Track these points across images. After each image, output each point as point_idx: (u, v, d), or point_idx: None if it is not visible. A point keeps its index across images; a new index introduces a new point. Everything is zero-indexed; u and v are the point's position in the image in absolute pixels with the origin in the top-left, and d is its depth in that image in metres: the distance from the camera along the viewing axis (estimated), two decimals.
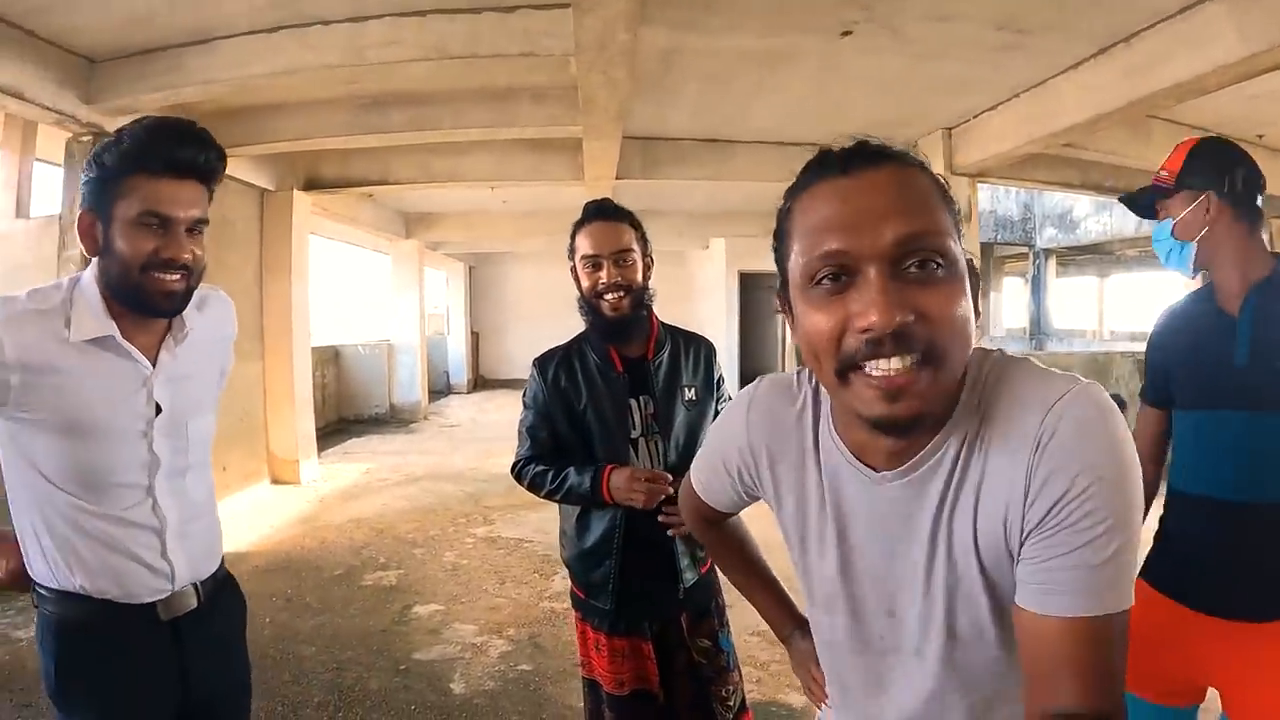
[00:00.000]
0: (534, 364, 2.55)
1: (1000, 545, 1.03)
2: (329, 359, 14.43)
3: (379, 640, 4.81)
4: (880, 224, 0.95)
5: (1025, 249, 20.09)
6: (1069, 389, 0.98)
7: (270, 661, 4.47)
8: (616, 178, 8.65)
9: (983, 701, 1.12)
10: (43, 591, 1.75)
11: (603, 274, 2.37)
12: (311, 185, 9.46)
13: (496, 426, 14.13)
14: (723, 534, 1.66)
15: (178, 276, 1.70)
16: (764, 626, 1.94)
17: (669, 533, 2.32)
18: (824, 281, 0.98)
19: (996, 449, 1.02)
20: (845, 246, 0.96)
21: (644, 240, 2.49)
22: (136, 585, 1.76)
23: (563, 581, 5.75)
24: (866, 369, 0.95)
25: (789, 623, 1.60)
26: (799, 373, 1.25)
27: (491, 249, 19.85)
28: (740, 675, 2.56)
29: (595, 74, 5.19)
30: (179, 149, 1.66)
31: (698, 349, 2.60)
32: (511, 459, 2.57)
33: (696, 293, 19.51)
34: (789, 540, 1.26)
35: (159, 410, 1.78)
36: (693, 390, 2.50)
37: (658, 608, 2.44)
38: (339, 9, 5.09)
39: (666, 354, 2.50)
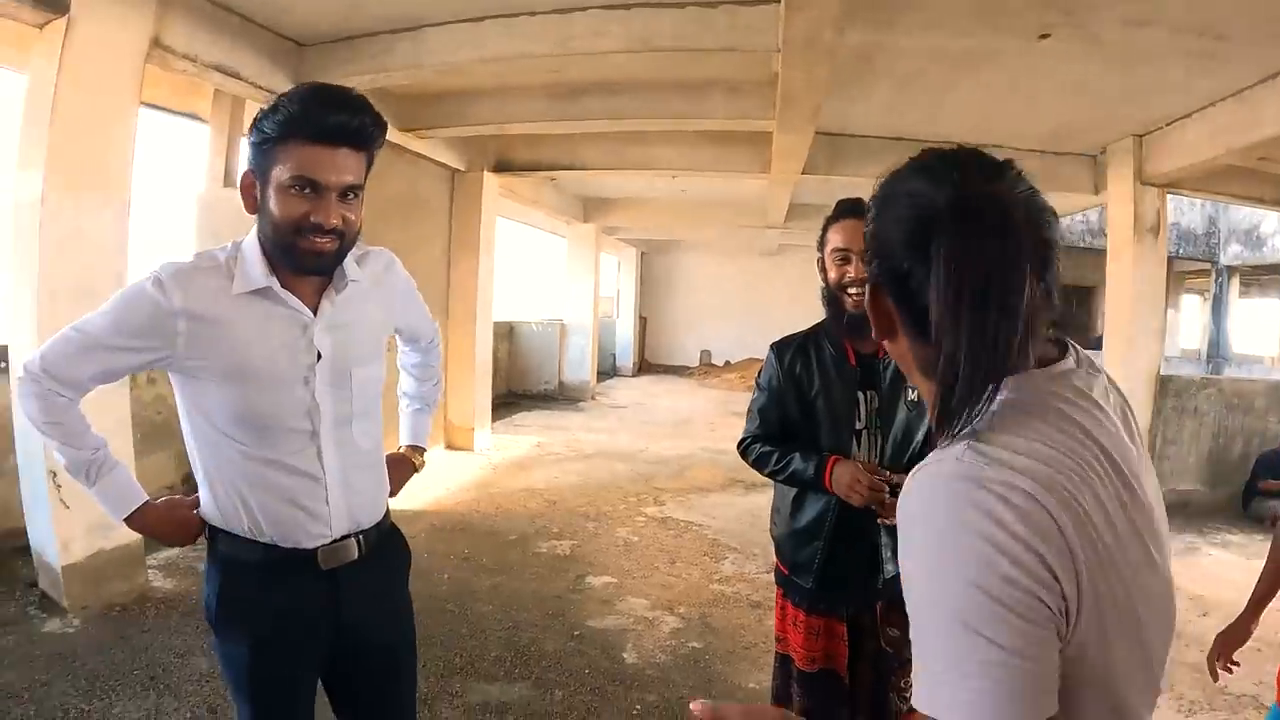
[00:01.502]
0: (771, 348, 2.66)
1: None
2: (503, 334, 14.86)
3: (554, 605, 5.00)
4: None
5: (1207, 265, 18.77)
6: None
7: (449, 615, 4.74)
8: (802, 173, 8.66)
9: None
10: (214, 530, 1.89)
11: (850, 269, 2.41)
12: (502, 167, 9.81)
13: (663, 411, 14.38)
14: None
15: (328, 240, 1.75)
16: None
17: (880, 521, 2.36)
18: None
19: None
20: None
21: None
22: (297, 531, 1.85)
23: (732, 566, 5.86)
24: None
25: None
26: None
27: (665, 236, 19.96)
28: None
29: (798, 70, 5.22)
30: (332, 115, 1.69)
31: None
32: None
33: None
34: None
35: (320, 357, 1.84)
36: (915, 392, 2.45)
37: (856, 594, 2.48)
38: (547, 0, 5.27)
39: None
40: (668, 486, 8.45)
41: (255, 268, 1.78)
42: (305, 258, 1.76)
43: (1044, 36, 5.27)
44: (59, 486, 4.31)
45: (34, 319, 4.25)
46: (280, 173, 1.70)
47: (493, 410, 10.86)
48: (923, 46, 5.66)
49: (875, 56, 5.88)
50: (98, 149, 4.49)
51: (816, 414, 2.52)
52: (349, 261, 1.88)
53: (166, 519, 1.95)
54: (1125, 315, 8.04)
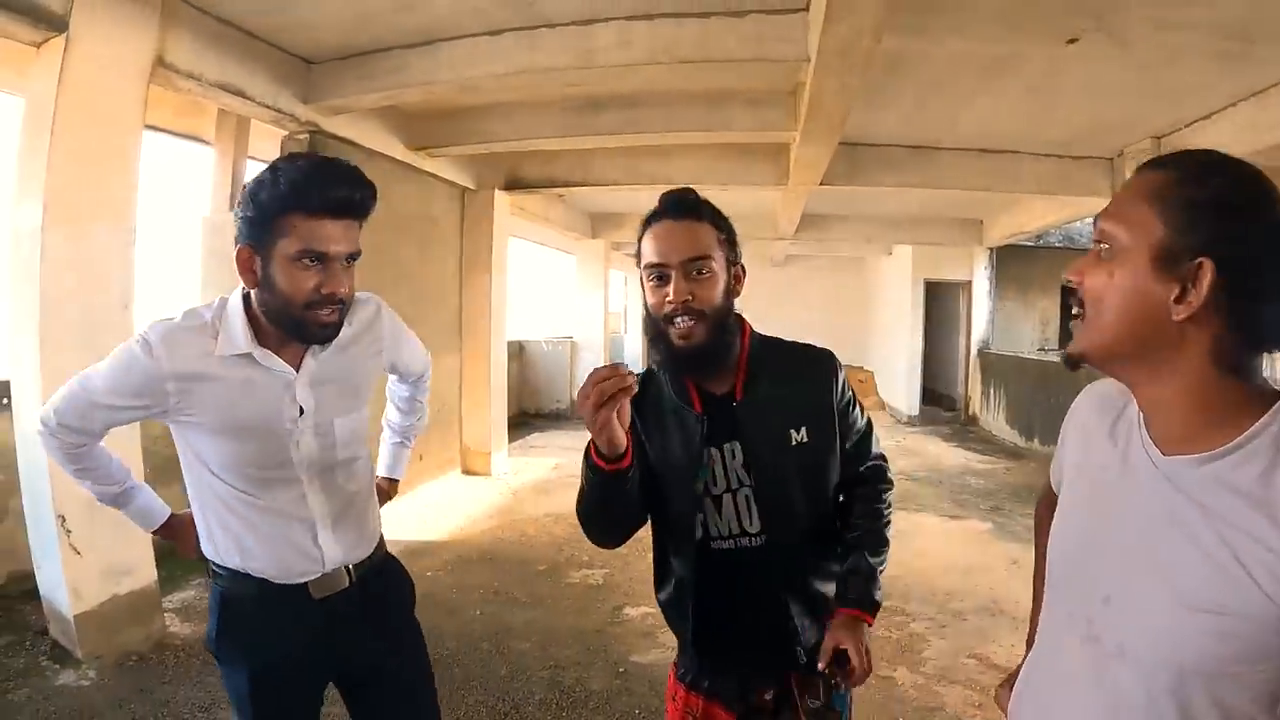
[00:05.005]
0: None
1: None
2: (514, 354, 14.72)
3: (594, 640, 4.81)
4: None
5: None
6: None
7: (485, 654, 4.55)
8: (821, 183, 8.49)
9: None
10: (212, 565, 2.03)
11: (669, 290, 1.80)
12: (513, 185, 9.66)
13: None
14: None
15: (332, 311, 1.85)
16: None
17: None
18: None
19: None
20: None
21: (731, 244, 1.91)
22: (289, 568, 1.97)
23: None
24: None
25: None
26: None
27: None
28: None
29: (831, 80, 5.05)
30: (335, 189, 1.77)
31: (810, 369, 1.99)
32: None
33: (876, 301, 19.05)
34: None
35: (302, 412, 1.95)
36: (803, 430, 1.90)
37: (761, 672, 1.97)
38: (567, 11, 5.13)
39: (763, 387, 1.91)
40: None
41: (238, 332, 1.87)
42: (314, 330, 1.86)
43: (1072, 41, 5.20)
44: (69, 532, 4.13)
45: (36, 354, 4.06)
46: (286, 246, 1.77)
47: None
48: (950, 53, 5.55)
49: (900, 64, 5.76)
50: (101, 175, 4.31)
51: (658, 477, 1.91)
52: None
53: (190, 528, 2.11)
54: None
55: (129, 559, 4.42)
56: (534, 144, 7.77)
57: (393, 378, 2.51)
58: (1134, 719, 1.10)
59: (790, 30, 4.86)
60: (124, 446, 4.21)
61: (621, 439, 1.65)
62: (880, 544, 1.96)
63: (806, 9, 4.76)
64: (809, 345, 2.05)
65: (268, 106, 5.75)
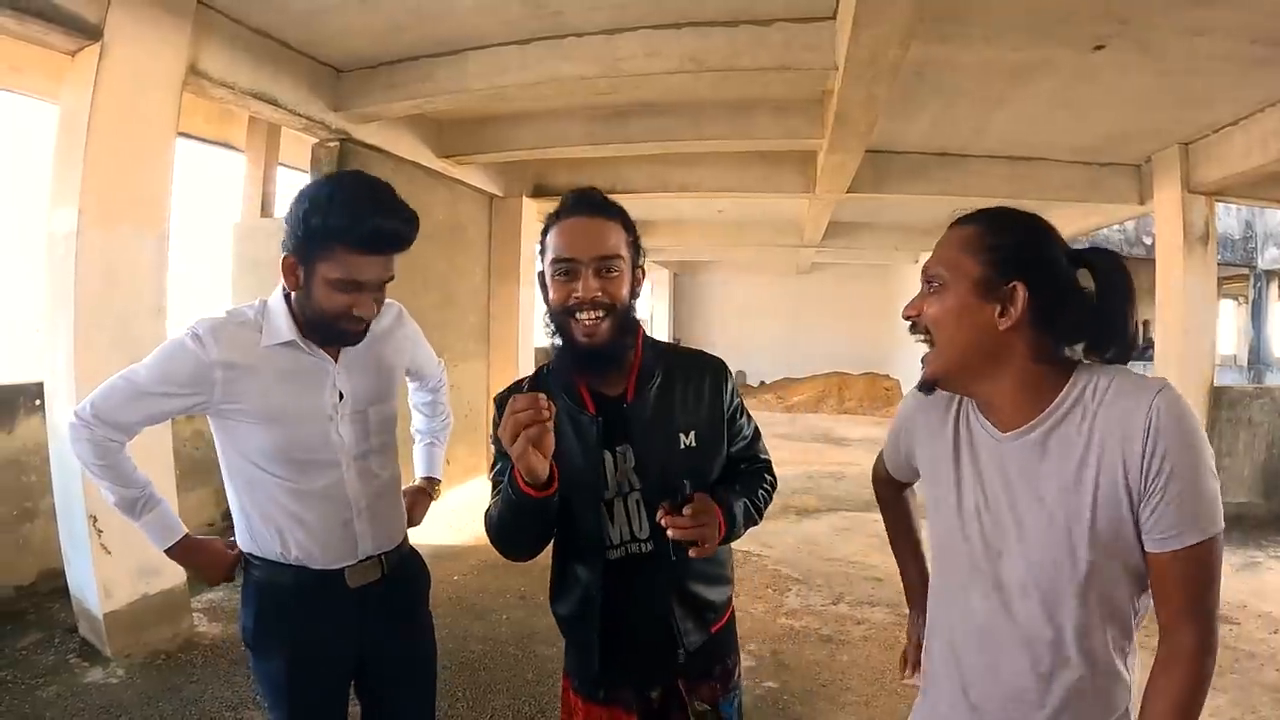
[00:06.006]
0: (497, 402, 1.92)
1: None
2: (541, 359, 14.64)
3: None
4: None
5: (1245, 270, 18.41)
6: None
7: (512, 659, 4.57)
8: (847, 191, 8.49)
9: None
10: (250, 559, 2.11)
11: (578, 285, 1.81)
12: (540, 192, 9.69)
13: None
14: (900, 501, 2.05)
15: (362, 326, 2.03)
16: None
17: (690, 553, 1.73)
18: None
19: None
20: None
21: (636, 246, 1.95)
22: (328, 553, 2.08)
23: (797, 599, 5.68)
24: None
25: (919, 599, 1.92)
26: None
27: (698, 256, 19.80)
28: None
29: (858, 89, 5.05)
30: (380, 225, 1.90)
31: (701, 375, 2.01)
32: None
33: (901, 310, 19.01)
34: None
35: (341, 397, 2.08)
36: (692, 434, 1.93)
37: (652, 675, 2.01)
38: (595, 21, 5.15)
39: (654, 390, 1.94)
40: None
41: (281, 323, 2.02)
42: (340, 339, 2.05)
43: (1099, 48, 5.17)
44: (100, 532, 4.19)
45: (70, 357, 4.12)
46: (327, 270, 1.91)
47: None
48: (977, 60, 5.53)
49: (927, 72, 5.75)
50: (135, 181, 4.37)
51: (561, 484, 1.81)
52: None
53: (205, 551, 2.21)
54: (1178, 326, 7.90)
55: (159, 559, 4.42)
56: (561, 152, 7.81)
57: (413, 387, 2.67)
58: (1044, 641, 1.45)
59: (817, 38, 4.86)
60: (155, 448, 4.31)
61: (542, 468, 1.66)
62: (755, 500, 2.00)
63: (834, 17, 4.77)
64: (701, 351, 2.12)
65: (299, 114, 5.82)
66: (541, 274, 1.91)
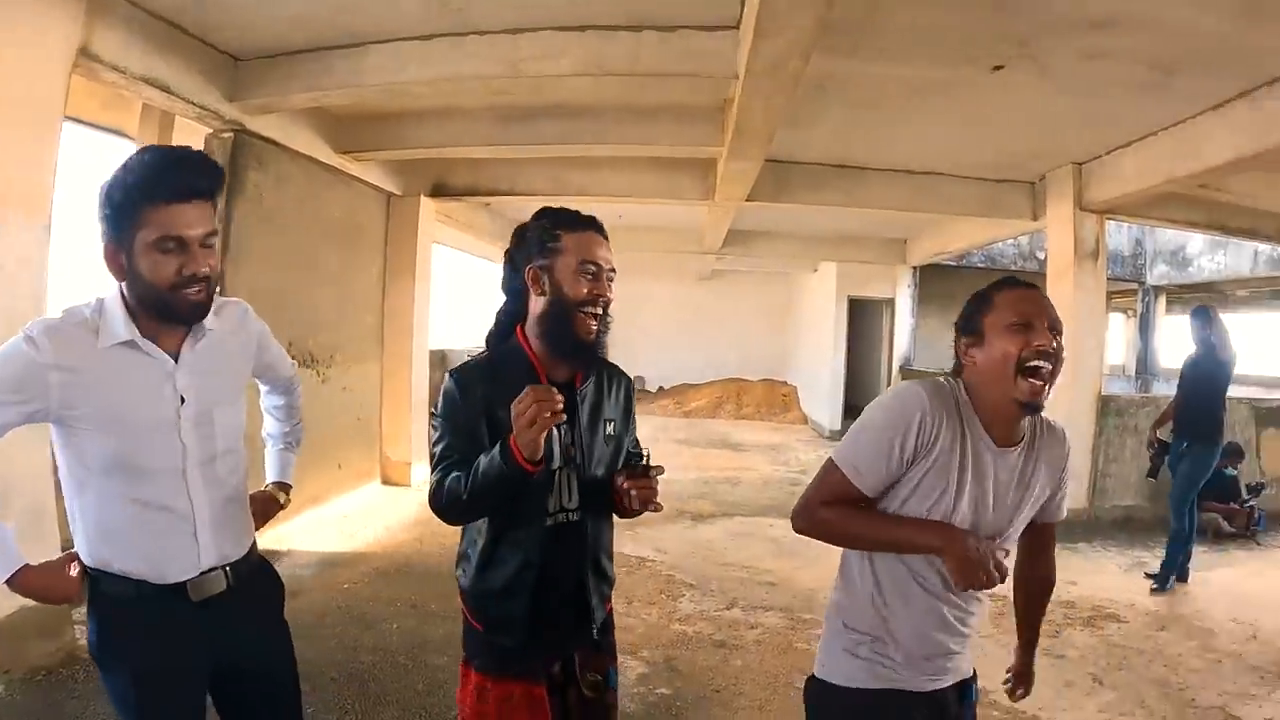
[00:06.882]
0: (452, 376, 2.17)
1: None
2: (436, 363, 14.48)
3: None
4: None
5: (1134, 285, 19.22)
6: None
7: (402, 669, 4.48)
8: (747, 199, 8.59)
9: None
10: (91, 572, 1.98)
11: (603, 287, 2.13)
12: (438, 192, 9.58)
13: None
14: (870, 511, 2.05)
15: (199, 289, 1.92)
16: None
17: (650, 508, 2.13)
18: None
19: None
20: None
21: None
22: (167, 566, 1.98)
23: (691, 604, 5.71)
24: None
25: (942, 530, 1.94)
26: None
27: None
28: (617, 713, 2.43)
29: (758, 98, 5.12)
30: (182, 176, 1.87)
31: (620, 380, 2.39)
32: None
33: (800, 316, 19.26)
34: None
35: (183, 401, 1.99)
36: (613, 424, 2.29)
37: (564, 646, 2.24)
38: (499, 19, 5.11)
39: (592, 383, 2.27)
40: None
41: (118, 323, 1.92)
42: (182, 311, 1.93)
43: (998, 68, 5.34)
44: None
45: None
46: (145, 235, 1.85)
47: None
48: (879, 75, 5.67)
49: (829, 85, 5.86)
50: (16, 166, 4.16)
51: None
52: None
53: (45, 577, 1.95)
54: (1067, 337, 8.05)
55: None
56: (462, 151, 7.77)
57: (264, 389, 2.60)
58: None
59: (720, 46, 4.90)
60: (33, 457, 4.11)
61: (541, 447, 1.93)
62: None
63: (737, 26, 4.81)
64: (614, 363, 2.41)
65: (192, 103, 5.63)
66: (543, 266, 2.13)
